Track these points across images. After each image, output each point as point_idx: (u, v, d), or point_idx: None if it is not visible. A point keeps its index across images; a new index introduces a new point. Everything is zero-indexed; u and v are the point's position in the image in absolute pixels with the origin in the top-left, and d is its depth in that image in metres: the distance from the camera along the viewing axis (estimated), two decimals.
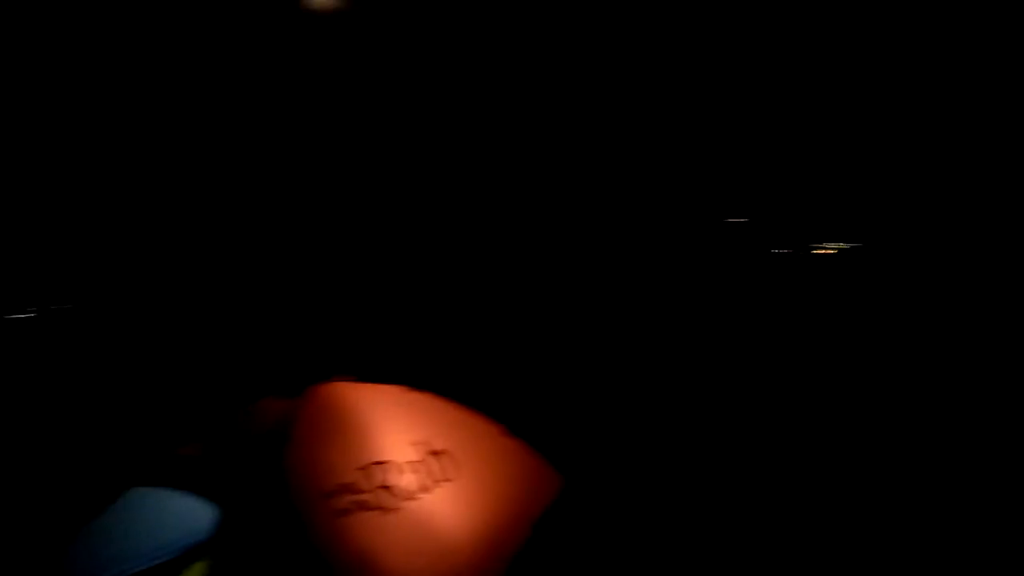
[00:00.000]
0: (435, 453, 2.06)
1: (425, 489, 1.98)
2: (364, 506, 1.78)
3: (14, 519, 2.31)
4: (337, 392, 2.03)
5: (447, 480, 2.05)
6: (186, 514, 2.09)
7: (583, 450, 2.60)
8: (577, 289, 3.07)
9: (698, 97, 3.06)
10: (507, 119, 3.08)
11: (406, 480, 1.91)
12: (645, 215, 3.11)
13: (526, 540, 2.10)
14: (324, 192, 3.12)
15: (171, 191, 3.06)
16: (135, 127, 3.04)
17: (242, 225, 3.10)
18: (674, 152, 3.07)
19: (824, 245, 2.95)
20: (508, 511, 2.17)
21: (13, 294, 2.99)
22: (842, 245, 2.92)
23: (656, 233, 3.07)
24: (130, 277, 3.09)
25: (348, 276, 3.12)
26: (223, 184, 3.11)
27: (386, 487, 1.84)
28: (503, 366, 2.91)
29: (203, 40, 2.93)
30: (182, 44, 2.96)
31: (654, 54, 3.05)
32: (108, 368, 2.89)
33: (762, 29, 3.00)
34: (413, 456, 1.99)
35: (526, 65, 3.01)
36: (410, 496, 1.90)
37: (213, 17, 2.93)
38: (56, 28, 2.87)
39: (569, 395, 2.89)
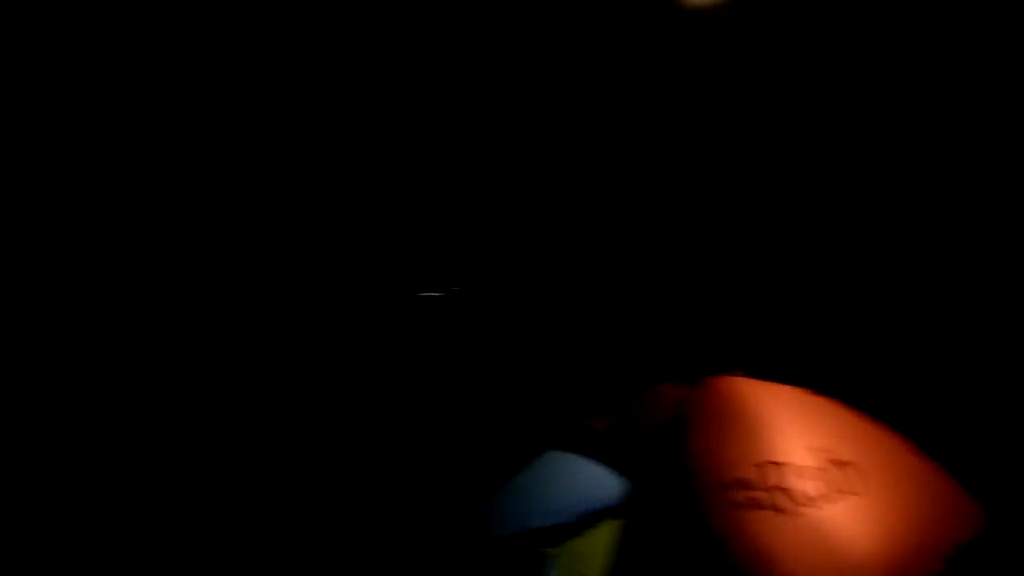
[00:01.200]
0: (839, 463, 1.97)
1: (826, 498, 1.91)
2: (758, 504, 1.78)
3: (438, 473, 2.70)
4: (736, 387, 2.03)
5: (852, 493, 1.95)
6: (598, 480, 2.31)
7: (1013, 485, 2.26)
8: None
9: None
10: None
11: (804, 485, 1.86)
12: None
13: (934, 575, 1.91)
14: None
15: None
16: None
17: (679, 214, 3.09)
18: None
19: None
20: (918, 540, 1.97)
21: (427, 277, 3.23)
22: None
23: None
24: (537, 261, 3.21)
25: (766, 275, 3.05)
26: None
27: (782, 488, 1.82)
28: (921, 377, 2.64)
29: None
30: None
31: None
32: (525, 344, 3.14)
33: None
34: (812, 462, 1.92)
35: None
36: (809, 503, 1.86)
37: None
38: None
39: (999, 418, 2.51)
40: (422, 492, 2.57)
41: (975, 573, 1.89)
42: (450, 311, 3.18)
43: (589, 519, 2.47)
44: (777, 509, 1.77)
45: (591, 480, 2.39)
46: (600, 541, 2.39)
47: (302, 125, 3.09)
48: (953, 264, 2.80)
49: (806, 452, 1.91)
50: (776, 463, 1.83)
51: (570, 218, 3.21)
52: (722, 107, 2.99)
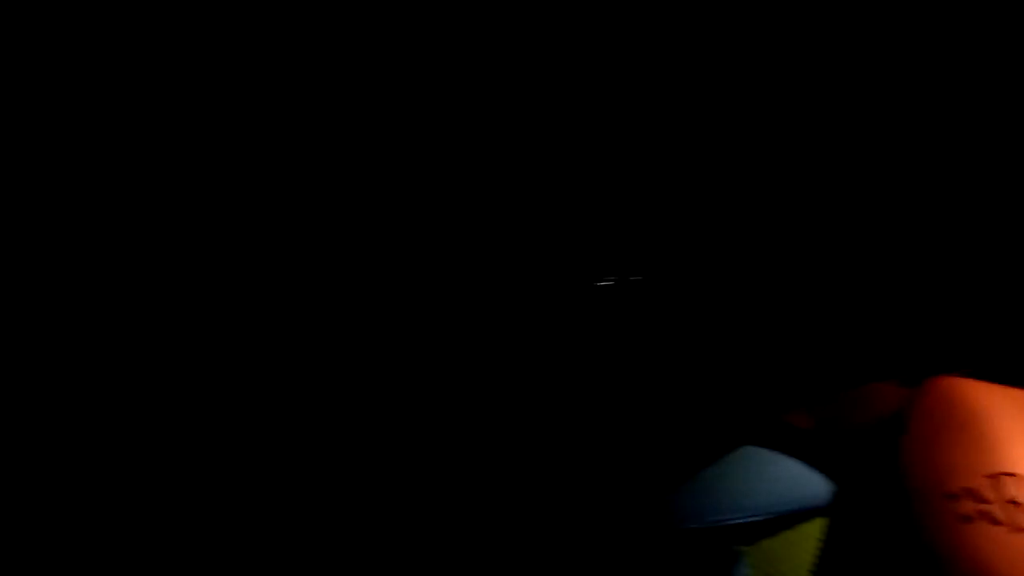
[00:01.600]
0: None
1: None
2: (990, 517, 1.64)
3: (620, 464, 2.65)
4: (963, 388, 1.88)
5: None
6: (798, 479, 2.21)
7: None
8: None
9: None
10: None
11: None
12: None
13: None
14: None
15: None
16: None
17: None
18: None
19: None
20: None
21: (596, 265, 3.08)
22: None
23: None
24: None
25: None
26: None
27: (1016, 503, 1.66)
28: None
29: None
30: None
31: None
32: (726, 332, 3.05)
33: None
34: None
35: None
36: None
37: None
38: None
39: None
40: (613, 482, 2.58)
41: None
42: (641, 297, 3.15)
43: (786, 519, 2.38)
44: (1011, 526, 1.63)
45: (791, 478, 2.29)
46: (796, 542, 2.30)
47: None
48: None
49: None
50: (1011, 474, 1.68)
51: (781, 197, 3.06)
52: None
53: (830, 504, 1.77)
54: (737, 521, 2.26)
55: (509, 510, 2.53)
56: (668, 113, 2.96)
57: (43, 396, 2.46)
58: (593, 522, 2.37)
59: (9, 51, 2.77)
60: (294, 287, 2.87)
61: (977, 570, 1.61)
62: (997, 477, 1.70)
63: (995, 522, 1.65)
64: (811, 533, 2.19)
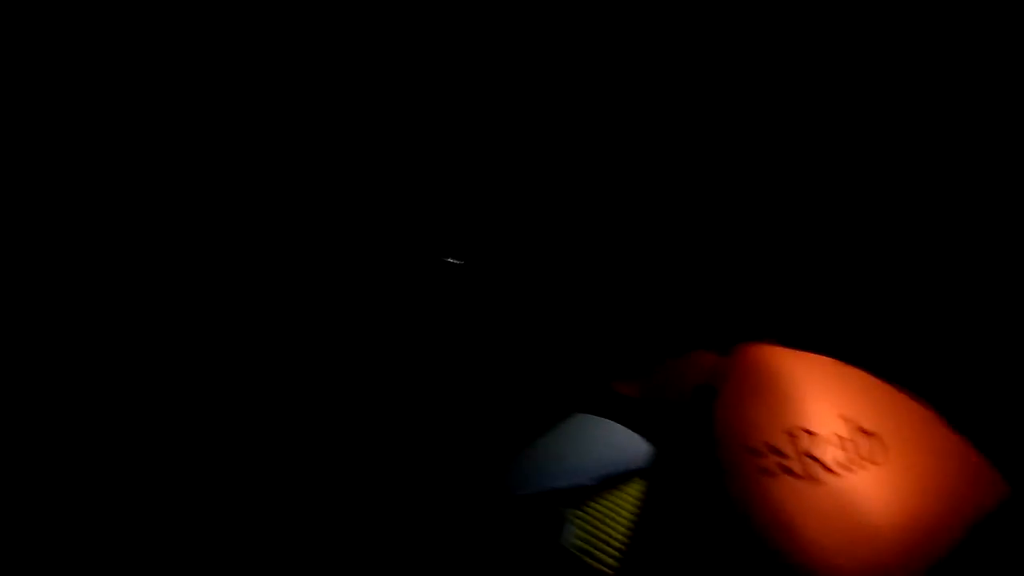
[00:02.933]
0: (864, 433, 1.98)
1: (850, 468, 1.92)
2: (788, 470, 1.79)
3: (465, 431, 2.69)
4: (769, 354, 2.04)
5: (874, 464, 1.96)
6: (621, 444, 2.32)
7: None
8: None
9: None
10: None
11: (832, 454, 1.88)
12: None
13: (957, 544, 1.93)
14: None
15: None
16: None
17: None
18: None
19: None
20: (940, 509, 1.98)
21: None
22: None
23: None
24: None
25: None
26: None
27: (812, 456, 1.82)
28: (952, 348, 2.62)
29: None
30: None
31: None
32: (552, 307, 3.15)
33: None
34: (841, 431, 1.93)
35: None
36: (834, 471, 1.86)
37: None
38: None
39: None
40: (443, 455, 2.59)
41: (997, 543, 1.91)
42: (473, 276, 3.20)
43: (610, 481, 2.50)
44: (806, 476, 1.79)
45: (614, 443, 2.40)
46: (619, 503, 2.43)
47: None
48: (985, 228, 2.78)
49: (836, 421, 1.92)
50: (807, 430, 1.84)
51: (597, 174, 3.17)
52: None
53: (650, 466, 1.86)
54: (565, 486, 2.34)
55: (343, 484, 2.50)
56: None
57: (43, 396, 2.36)
58: (427, 493, 2.38)
59: (9, 51, 2.73)
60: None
61: (777, 518, 1.75)
62: (796, 433, 1.85)
63: (793, 474, 1.81)
64: (633, 493, 2.30)
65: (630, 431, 2.02)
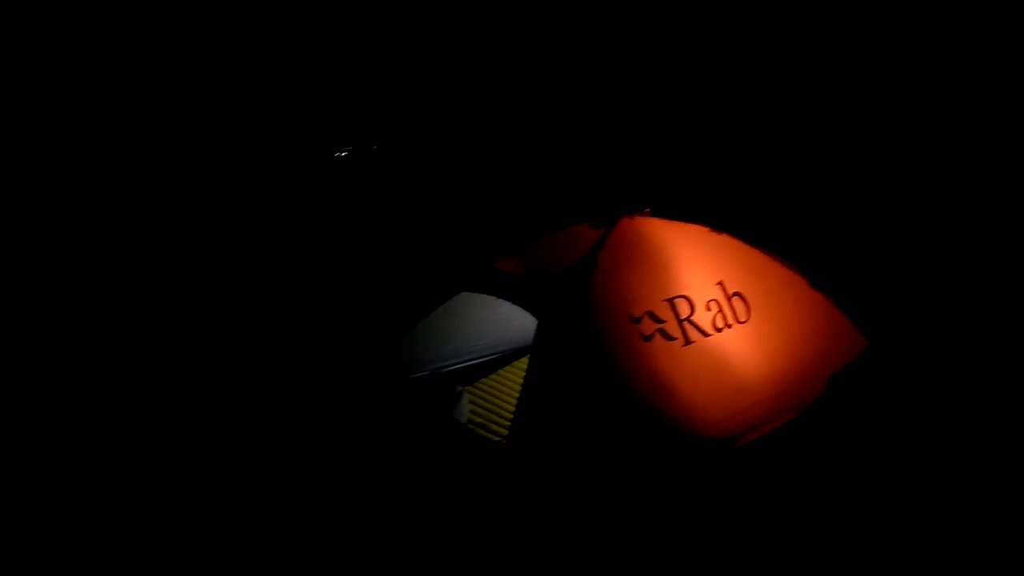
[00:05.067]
0: (733, 295, 2.08)
1: (720, 328, 2.02)
2: (666, 335, 1.87)
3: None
4: (645, 225, 2.09)
5: (741, 322, 2.07)
6: (507, 322, 2.36)
7: (891, 312, 2.45)
8: None
9: None
10: None
11: (705, 316, 1.97)
12: None
13: (821, 394, 2.08)
14: None
15: None
16: None
17: None
18: None
19: None
20: (803, 361, 2.12)
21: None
22: None
23: None
24: None
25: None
26: None
27: (688, 320, 1.91)
28: (814, 209, 2.76)
29: None
30: None
31: None
32: (432, 188, 3.15)
33: None
34: (713, 295, 2.02)
35: None
36: (708, 332, 1.96)
37: None
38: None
39: (884, 247, 2.68)
40: (338, 339, 2.60)
41: (857, 394, 2.08)
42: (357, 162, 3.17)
43: (500, 359, 2.56)
44: (683, 340, 1.87)
45: (501, 321, 2.45)
46: (509, 377, 2.50)
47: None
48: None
49: (708, 286, 2.01)
50: (682, 296, 1.92)
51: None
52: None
53: (534, 340, 1.90)
54: (457, 366, 2.40)
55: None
56: None
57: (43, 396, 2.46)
58: (326, 379, 2.39)
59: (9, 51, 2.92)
60: None
61: (656, 379, 1.84)
62: (672, 299, 1.93)
63: (670, 338, 1.89)
64: (521, 367, 2.38)
65: (515, 309, 2.05)
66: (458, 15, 3.14)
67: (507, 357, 2.48)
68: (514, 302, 2.06)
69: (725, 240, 2.15)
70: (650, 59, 3.11)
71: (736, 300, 2.04)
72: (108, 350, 2.72)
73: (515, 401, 2.07)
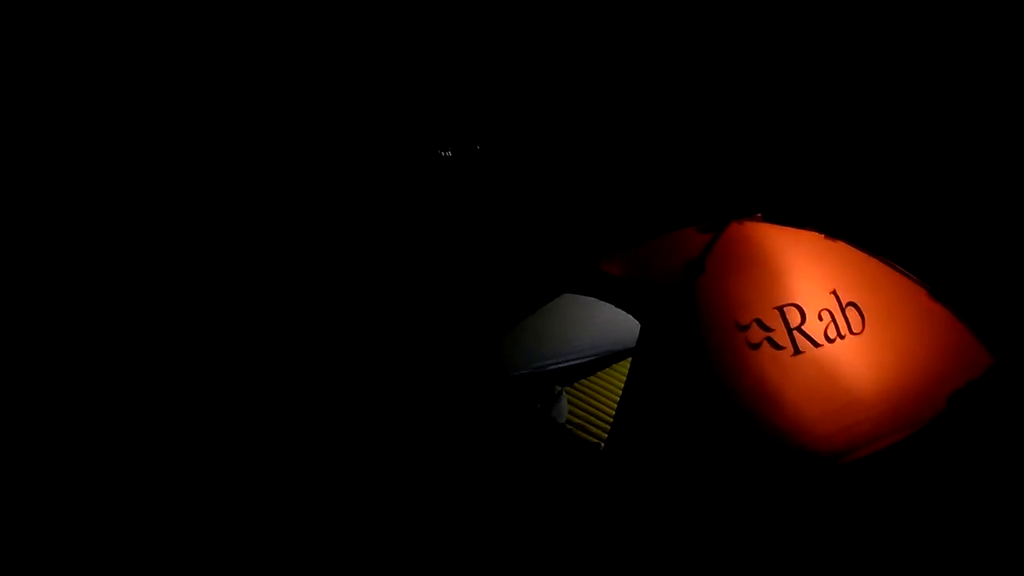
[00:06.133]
0: (847, 304, 1.99)
1: (832, 338, 1.94)
2: (775, 344, 1.81)
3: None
4: (755, 231, 2.04)
5: (855, 333, 1.98)
6: (610, 323, 2.35)
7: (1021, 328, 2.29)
8: None
9: None
10: None
11: (817, 326, 1.89)
12: None
13: (940, 412, 1.97)
14: None
15: None
16: None
17: None
18: None
19: None
20: (921, 376, 2.01)
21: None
22: None
23: None
24: None
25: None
26: None
27: (798, 330, 1.85)
28: (941, 220, 2.61)
29: None
30: None
31: None
32: (542, 189, 3.14)
33: None
34: (825, 304, 1.95)
35: None
36: (819, 342, 1.89)
37: None
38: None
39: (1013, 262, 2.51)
40: (444, 337, 2.64)
41: (980, 411, 1.96)
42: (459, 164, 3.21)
43: (600, 361, 2.55)
44: (792, 349, 1.81)
45: (603, 324, 2.44)
46: (608, 379, 2.49)
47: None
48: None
49: (821, 294, 1.93)
50: (793, 305, 1.86)
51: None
52: None
53: (637, 344, 1.89)
54: (557, 366, 2.40)
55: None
56: None
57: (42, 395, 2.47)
58: (427, 377, 2.43)
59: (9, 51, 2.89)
60: None
61: (762, 388, 1.79)
62: (781, 308, 1.87)
63: (778, 347, 1.83)
64: (622, 370, 2.36)
65: (617, 311, 2.04)
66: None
67: (608, 359, 2.47)
68: (617, 305, 2.04)
69: (840, 247, 2.07)
70: (767, 59, 3.02)
71: (851, 310, 1.96)
72: (125, 349, 2.74)
73: (615, 404, 2.07)
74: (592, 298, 2.15)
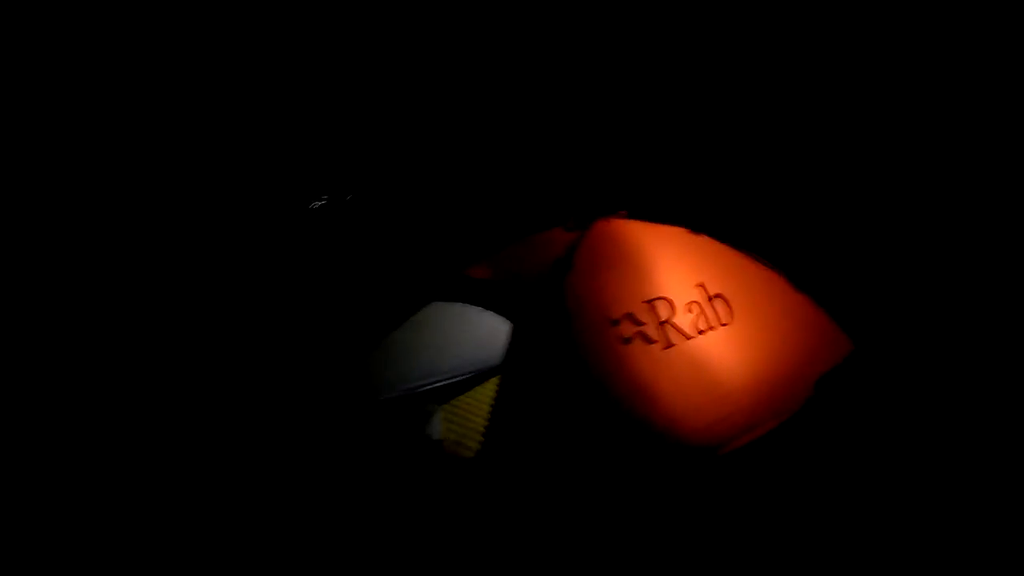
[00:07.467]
0: (714, 297, 2.01)
1: (702, 330, 1.95)
2: (646, 338, 1.79)
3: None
4: (621, 227, 2.02)
5: (723, 325, 2.00)
6: (481, 340, 2.24)
7: (881, 315, 2.39)
8: None
9: None
10: None
11: (686, 319, 1.88)
12: None
13: (806, 399, 2.02)
14: None
15: None
16: None
17: None
18: None
19: None
20: (788, 363, 2.03)
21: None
22: None
23: None
24: None
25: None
26: None
27: (667, 323, 1.84)
28: (797, 213, 2.72)
29: None
30: None
31: None
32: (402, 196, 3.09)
33: None
34: (693, 297, 1.95)
35: None
36: (690, 334, 1.88)
37: None
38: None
39: (870, 250, 2.64)
40: (311, 355, 2.50)
41: (844, 398, 2.01)
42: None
43: (477, 378, 2.45)
44: (663, 343, 1.80)
45: (478, 338, 2.33)
46: (485, 395, 2.40)
47: None
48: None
49: (688, 288, 1.93)
50: (662, 298, 1.85)
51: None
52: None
53: (509, 343, 1.82)
54: (430, 386, 2.29)
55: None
56: None
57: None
58: (293, 405, 2.28)
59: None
60: None
61: (636, 382, 1.76)
62: (651, 302, 1.85)
63: (650, 341, 1.80)
64: (496, 381, 2.27)
65: (487, 326, 1.96)
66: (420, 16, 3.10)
67: (486, 374, 2.37)
68: (487, 308, 1.98)
69: (704, 242, 2.08)
70: (623, 58, 3.08)
71: (718, 302, 1.97)
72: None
73: (487, 413, 1.98)
74: (462, 306, 2.07)
